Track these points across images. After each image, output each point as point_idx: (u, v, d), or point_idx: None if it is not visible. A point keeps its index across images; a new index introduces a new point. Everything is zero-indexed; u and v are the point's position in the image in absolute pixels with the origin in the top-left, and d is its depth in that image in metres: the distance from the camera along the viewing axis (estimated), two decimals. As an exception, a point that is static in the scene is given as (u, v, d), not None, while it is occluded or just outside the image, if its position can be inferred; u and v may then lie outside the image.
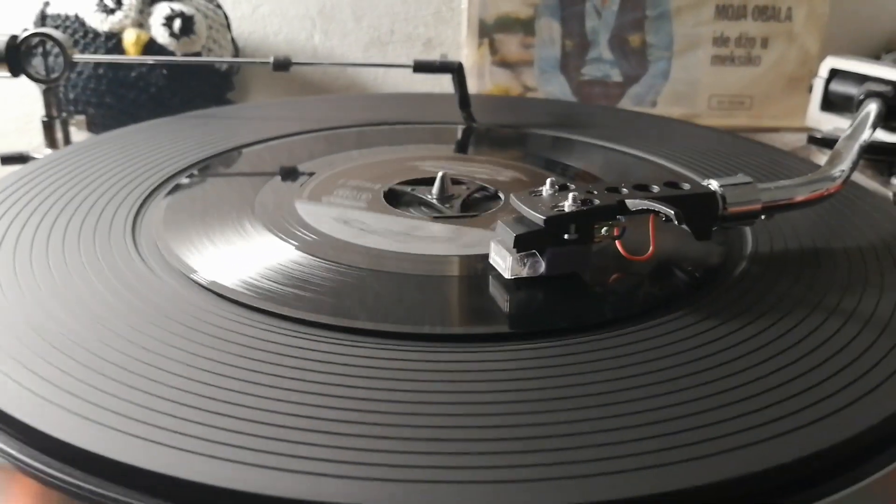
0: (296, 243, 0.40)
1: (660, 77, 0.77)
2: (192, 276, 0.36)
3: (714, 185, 0.38)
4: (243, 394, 0.28)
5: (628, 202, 0.35)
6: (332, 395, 0.28)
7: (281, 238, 0.40)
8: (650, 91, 0.78)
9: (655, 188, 0.37)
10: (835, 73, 0.63)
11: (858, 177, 0.57)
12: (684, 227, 0.37)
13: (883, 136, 0.59)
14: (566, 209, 0.34)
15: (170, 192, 0.46)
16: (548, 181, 0.36)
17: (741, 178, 0.39)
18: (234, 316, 0.33)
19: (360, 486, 0.24)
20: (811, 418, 0.27)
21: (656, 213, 0.35)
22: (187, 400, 0.27)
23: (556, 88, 0.77)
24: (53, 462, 0.26)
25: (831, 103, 0.63)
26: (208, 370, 0.29)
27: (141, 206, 0.44)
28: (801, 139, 0.66)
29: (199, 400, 0.27)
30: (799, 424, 0.27)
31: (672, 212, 0.34)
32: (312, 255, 0.38)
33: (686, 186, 0.37)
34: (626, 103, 0.78)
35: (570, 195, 0.35)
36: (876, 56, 0.69)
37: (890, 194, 0.55)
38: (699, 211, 0.37)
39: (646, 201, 0.35)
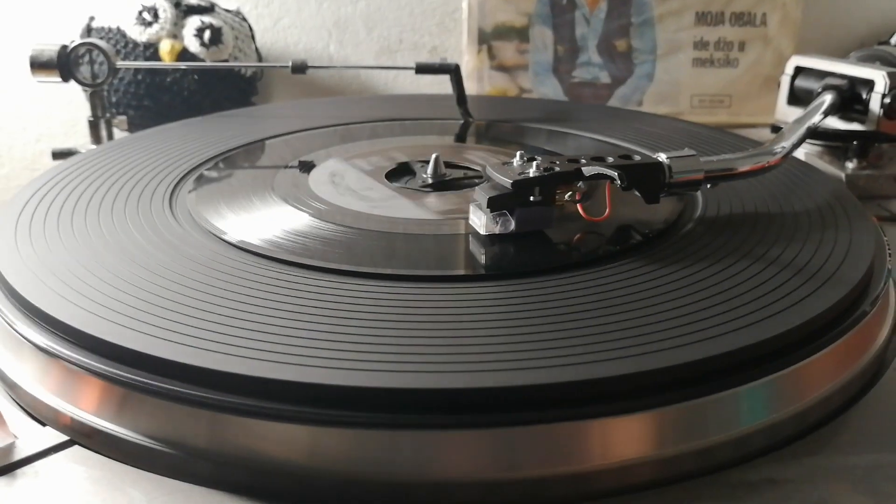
0: (309, 211, 0.47)
1: (645, 79, 0.84)
2: (222, 236, 0.43)
3: (662, 157, 0.44)
4: (269, 315, 0.35)
5: (583, 169, 0.42)
6: (345, 319, 0.35)
7: (296, 208, 0.47)
8: (636, 92, 0.84)
9: (610, 159, 0.43)
10: (800, 71, 0.69)
11: (816, 161, 0.64)
12: (636, 193, 0.43)
13: (840, 125, 0.65)
14: (531, 175, 0.41)
15: (200, 176, 0.53)
16: (518, 153, 0.43)
17: (687, 151, 0.45)
18: (257, 264, 0.40)
19: (367, 376, 0.30)
20: (727, 329, 0.34)
21: (606, 176, 0.41)
22: (220, 320, 0.34)
23: (550, 90, 0.84)
24: (113, 363, 0.32)
25: (797, 98, 0.69)
26: (237, 300, 0.36)
27: (176, 186, 0.51)
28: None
29: (231, 319, 0.34)
30: (715, 334, 0.34)
31: (616, 174, 0.40)
32: (323, 220, 0.45)
33: (637, 158, 0.44)
34: (613, 103, 0.84)
35: (535, 164, 0.42)
36: (844, 56, 0.74)
37: (843, 176, 0.61)
38: (648, 178, 0.43)
39: (598, 167, 0.41)
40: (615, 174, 0.40)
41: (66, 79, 0.65)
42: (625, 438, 0.31)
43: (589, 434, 0.31)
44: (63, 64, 0.65)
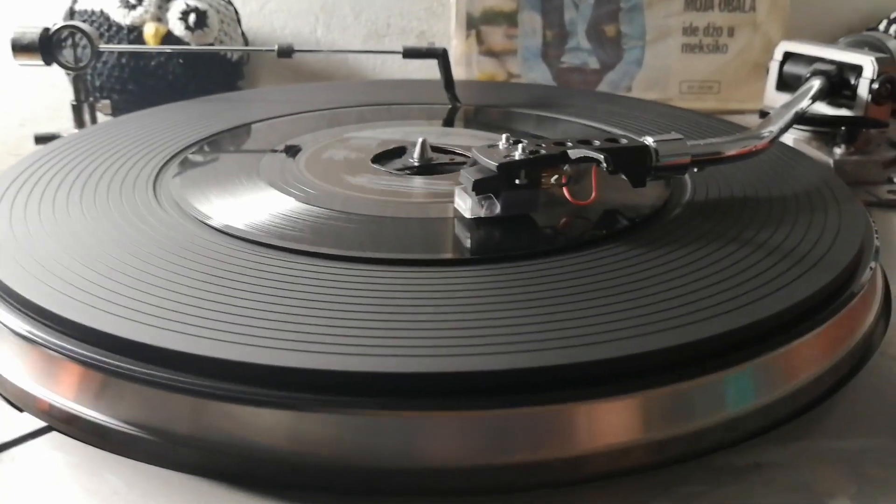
0: (294, 196, 0.46)
1: (634, 64, 0.84)
2: (207, 221, 0.42)
3: (649, 140, 0.44)
4: (261, 301, 0.34)
5: (569, 152, 0.41)
6: (327, 303, 0.35)
7: (281, 192, 0.47)
8: (625, 77, 0.84)
9: (596, 142, 0.43)
10: (788, 56, 0.68)
11: (804, 146, 0.63)
12: (623, 177, 0.43)
13: (829, 110, 0.64)
14: (516, 158, 0.41)
15: (184, 160, 0.52)
16: (503, 136, 0.43)
17: (674, 135, 0.45)
18: (241, 248, 0.39)
19: (353, 360, 0.30)
20: (716, 313, 0.34)
21: (592, 160, 0.41)
22: (201, 304, 0.34)
23: (539, 75, 0.84)
24: (92, 348, 0.32)
25: (786, 84, 0.68)
26: (219, 285, 0.35)
27: (160, 170, 0.50)
28: (763, 119, 0.71)
29: (216, 305, 0.34)
30: (703, 317, 0.33)
31: (602, 157, 0.40)
32: (308, 204, 0.45)
33: (624, 142, 0.43)
34: (602, 89, 0.84)
35: (520, 146, 0.41)
36: (833, 42, 0.74)
37: (831, 162, 0.61)
38: (635, 162, 0.43)
39: (584, 150, 0.41)
40: (601, 157, 0.40)
41: (48, 62, 0.65)
42: (613, 422, 0.31)
43: (577, 418, 0.30)
44: (45, 47, 0.64)
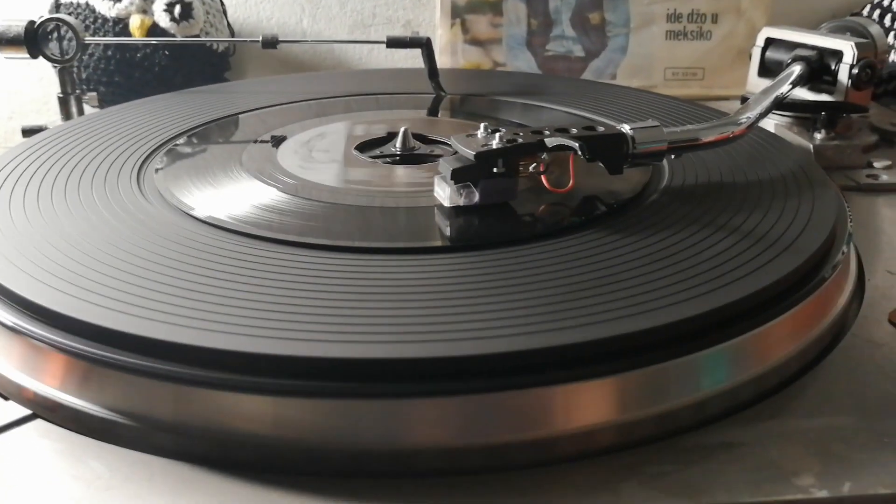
0: (277, 186, 0.46)
1: (618, 52, 0.84)
2: (190, 212, 0.43)
3: (625, 127, 0.44)
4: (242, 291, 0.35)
5: (546, 140, 0.42)
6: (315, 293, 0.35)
7: (264, 182, 0.47)
8: (610, 65, 0.84)
9: (573, 130, 0.43)
10: (770, 42, 0.69)
11: (785, 132, 0.64)
12: (600, 164, 0.44)
13: (810, 96, 0.65)
14: (494, 146, 0.41)
15: (169, 151, 0.53)
16: (482, 125, 0.43)
17: (651, 122, 0.45)
18: (224, 238, 0.40)
19: (330, 346, 0.31)
20: (688, 296, 0.34)
21: (569, 148, 0.42)
22: (182, 294, 0.35)
23: (524, 64, 0.84)
24: (76, 338, 0.32)
25: (768, 69, 0.69)
26: (202, 275, 0.36)
27: (144, 161, 0.50)
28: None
29: (198, 294, 0.35)
30: (676, 301, 0.34)
31: (577, 144, 0.40)
32: (290, 194, 0.45)
33: (601, 129, 0.44)
34: (587, 77, 0.84)
35: (498, 135, 0.42)
36: (817, 28, 0.74)
37: (811, 147, 0.61)
38: (611, 149, 0.43)
39: (560, 138, 0.41)
40: (577, 145, 0.41)
41: (34, 55, 0.65)
42: (587, 404, 0.31)
43: (553, 400, 0.31)
44: (31, 40, 0.64)
